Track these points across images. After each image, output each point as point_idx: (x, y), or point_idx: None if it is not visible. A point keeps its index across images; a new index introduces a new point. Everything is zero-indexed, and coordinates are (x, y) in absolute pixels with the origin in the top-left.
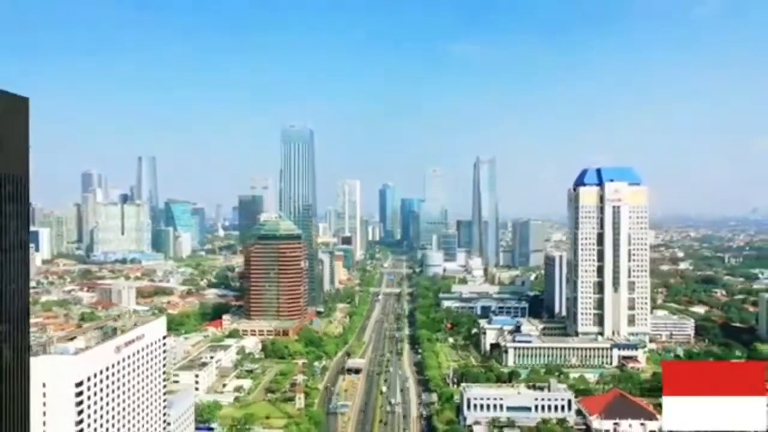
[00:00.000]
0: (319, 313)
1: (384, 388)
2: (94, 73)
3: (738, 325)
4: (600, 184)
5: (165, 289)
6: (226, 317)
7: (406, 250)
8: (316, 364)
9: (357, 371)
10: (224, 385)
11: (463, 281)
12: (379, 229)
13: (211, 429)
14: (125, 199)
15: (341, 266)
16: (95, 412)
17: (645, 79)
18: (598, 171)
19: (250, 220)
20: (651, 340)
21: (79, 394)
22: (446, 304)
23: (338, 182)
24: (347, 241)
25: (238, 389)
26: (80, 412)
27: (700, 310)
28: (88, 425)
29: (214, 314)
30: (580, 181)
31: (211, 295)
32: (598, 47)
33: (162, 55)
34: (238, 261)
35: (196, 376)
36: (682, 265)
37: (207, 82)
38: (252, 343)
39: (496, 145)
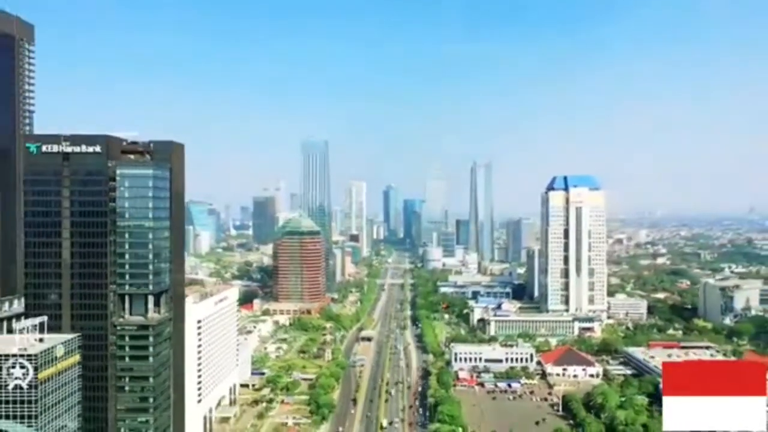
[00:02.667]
0: (333, 300)
1: (391, 351)
2: (105, 80)
3: (686, 306)
4: (566, 189)
5: (196, 281)
6: (256, 301)
7: (409, 247)
8: (336, 334)
9: (369, 339)
10: (265, 348)
11: (459, 273)
12: (383, 228)
13: (263, 373)
14: None
15: (350, 261)
16: (206, 341)
17: (645, 82)
18: (565, 178)
19: (264, 219)
20: (609, 317)
21: (199, 328)
22: (443, 290)
23: (345, 184)
24: (354, 238)
25: (277, 350)
26: (200, 340)
27: (661, 295)
28: (204, 349)
29: (243, 300)
30: (550, 186)
31: (237, 285)
32: (598, 50)
33: (168, 59)
34: (253, 257)
35: (245, 339)
36: (660, 260)
37: (211, 86)
38: (283, 319)
39: (494, 148)
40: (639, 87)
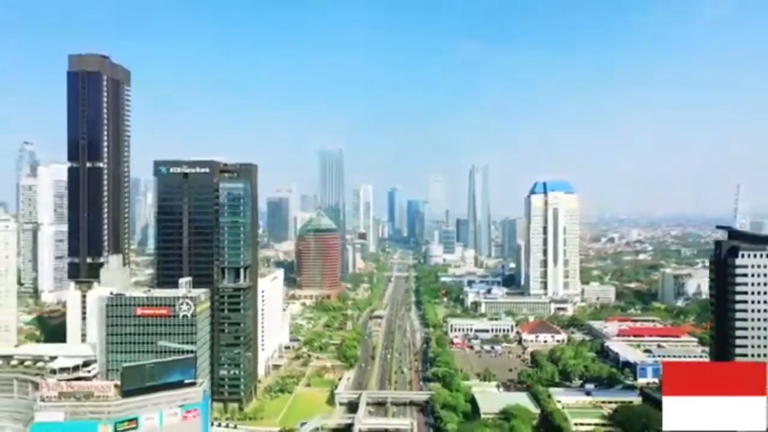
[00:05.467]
0: (348, 288)
1: (398, 325)
2: None
3: (650, 293)
4: (545, 192)
5: None
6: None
7: (412, 245)
8: (353, 313)
9: (380, 317)
10: (297, 322)
11: (458, 267)
12: (387, 227)
13: (299, 339)
14: None
15: (359, 257)
16: (266, 306)
17: (645, 86)
18: (544, 183)
19: (278, 219)
20: (583, 300)
21: (262, 296)
22: (442, 279)
23: (353, 185)
24: (363, 236)
25: (307, 324)
26: (263, 304)
27: (633, 285)
28: (265, 311)
29: None
30: (532, 191)
31: None
32: (598, 54)
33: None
34: (270, 253)
35: (284, 311)
36: (642, 256)
37: (214, 88)
38: (308, 302)
39: (493, 152)
40: (639, 91)
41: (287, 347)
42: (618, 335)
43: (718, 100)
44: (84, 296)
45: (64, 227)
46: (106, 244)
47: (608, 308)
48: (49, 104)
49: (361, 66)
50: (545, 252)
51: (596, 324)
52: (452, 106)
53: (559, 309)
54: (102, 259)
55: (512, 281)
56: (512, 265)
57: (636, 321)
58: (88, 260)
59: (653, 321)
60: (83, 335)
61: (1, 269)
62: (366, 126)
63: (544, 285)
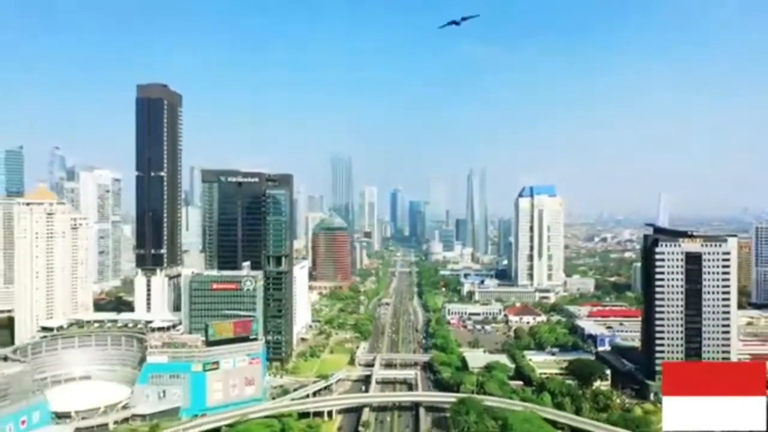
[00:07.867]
0: (357, 281)
1: (403, 311)
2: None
3: (627, 284)
4: (531, 196)
5: None
6: None
7: (414, 244)
8: (363, 300)
9: (387, 304)
10: (316, 307)
11: (456, 263)
12: (390, 227)
13: (319, 321)
14: (187, 202)
15: (365, 254)
16: (297, 288)
17: (645, 87)
18: (531, 188)
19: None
20: (566, 291)
21: (295, 281)
22: (441, 273)
23: (358, 187)
24: (368, 235)
25: (324, 308)
26: (294, 286)
27: (613, 278)
28: (296, 293)
29: None
30: (520, 194)
31: None
32: (597, 58)
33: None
34: None
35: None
36: (628, 254)
37: (217, 88)
38: (323, 291)
39: (491, 152)
40: (640, 93)
41: (310, 326)
42: (588, 316)
43: (718, 101)
44: (149, 280)
45: (106, 225)
46: (165, 239)
47: (586, 297)
48: (78, 117)
49: (363, 69)
50: (531, 248)
51: (572, 308)
52: (453, 109)
53: (543, 297)
54: (162, 251)
55: (504, 275)
56: (505, 261)
57: (606, 306)
58: (152, 252)
59: (621, 306)
60: (148, 309)
61: (81, 259)
62: (369, 129)
63: (531, 277)
